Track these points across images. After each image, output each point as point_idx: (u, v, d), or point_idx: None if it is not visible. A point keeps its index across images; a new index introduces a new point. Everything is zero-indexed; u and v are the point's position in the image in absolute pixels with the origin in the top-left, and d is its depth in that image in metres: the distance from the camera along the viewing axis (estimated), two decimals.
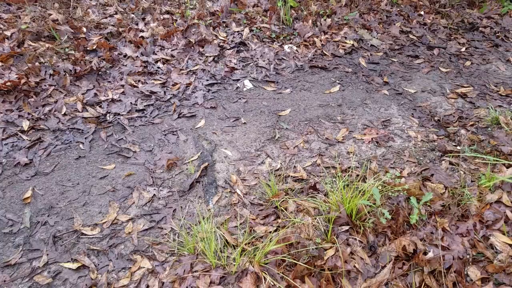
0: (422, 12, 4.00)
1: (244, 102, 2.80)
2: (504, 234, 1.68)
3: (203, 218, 1.90)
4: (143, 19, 3.60)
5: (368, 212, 1.79)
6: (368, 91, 2.95)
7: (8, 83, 2.58)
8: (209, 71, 3.06)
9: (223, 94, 2.88)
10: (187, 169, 2.22)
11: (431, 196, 1.79)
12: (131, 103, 2.69)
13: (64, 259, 1.72)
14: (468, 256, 1.60)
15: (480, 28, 3.83)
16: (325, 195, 1.99)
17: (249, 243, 1.74)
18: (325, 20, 3.70)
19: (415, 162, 2.23)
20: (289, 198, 1.94)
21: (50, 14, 3.35)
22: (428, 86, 3.04)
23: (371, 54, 3.42)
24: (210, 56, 3.21)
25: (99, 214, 1.94)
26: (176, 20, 3.62)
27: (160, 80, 2.92)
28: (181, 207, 1.99)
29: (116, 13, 3.63)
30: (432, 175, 2.07)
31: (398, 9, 4.00)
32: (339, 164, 2.23)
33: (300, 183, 2.09)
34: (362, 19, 3.79)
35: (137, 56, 3.12)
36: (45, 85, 2.72)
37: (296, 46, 3.45)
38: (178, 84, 2.90)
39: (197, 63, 3.14)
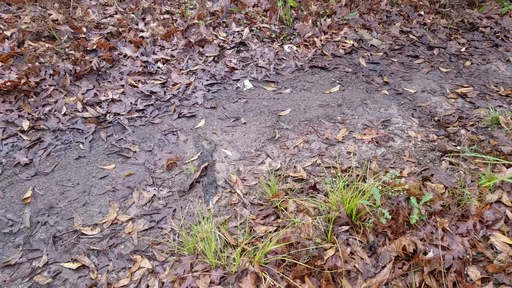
0: (422, 12, 4.00)
1: (244, 102, 2.80)
2: (504, 234, 1.68)
3: (203, 218, 1.90)
4: (143, 19, 3.60)
5: (368, 212, 1.79)
6: (368, 91, 2.95)
7: (8, 83, 2.58)
8: (209, 71, 3.06)
9: (223, 94, 2.88)
10: (187, 169, 2.22)
11: (431, 196, 1.79)
12: (131, 103, 2.69)
13: (64, 259, 1.72)
14: (468, 256, 1.60)
15: (480, 28, 3.83)
16: (325, 195, 1.99)
17: (249, 243, 1.74)
18: (325, 20, 3.70)
19: (415, 162, 2.23)
20: (289, 198, 1.94)
21: (50, 14, 3.35)
22: (428, 86, 3.04)
23: (371, 54, 3.42)
24: (210, 56, 3.21)
25: (99, 214, 1.94)
26: (176, 20, 3.62)
27: (160, 80, 2.92)
28: (181, 207, 1.99)
29: (116, 13, 3.63)
30: (432, 175, 2.07)
31: (398, 9, 4.00)
32: (339, 164, 2.23)
33: (300, 183, 2.09)
34: (362, 19, 3.79)
35: (137, 56, 3.12)
36: (45, 85, 2.72)
37: (296, 46, 3.45)
38: (178, 84, 2.90)
39: (197, 63, 3.14)
